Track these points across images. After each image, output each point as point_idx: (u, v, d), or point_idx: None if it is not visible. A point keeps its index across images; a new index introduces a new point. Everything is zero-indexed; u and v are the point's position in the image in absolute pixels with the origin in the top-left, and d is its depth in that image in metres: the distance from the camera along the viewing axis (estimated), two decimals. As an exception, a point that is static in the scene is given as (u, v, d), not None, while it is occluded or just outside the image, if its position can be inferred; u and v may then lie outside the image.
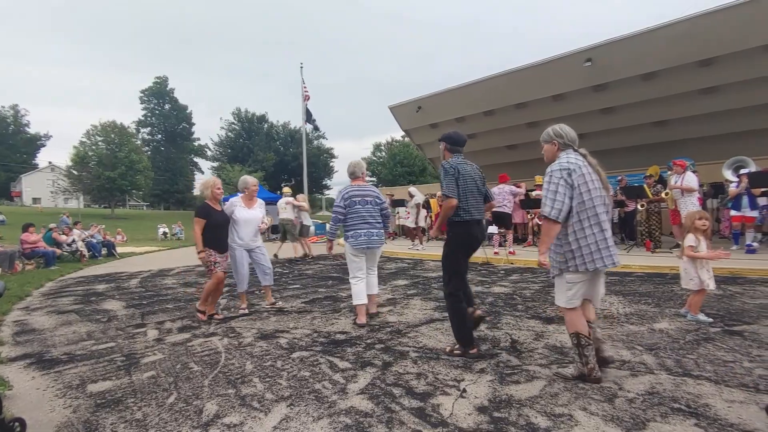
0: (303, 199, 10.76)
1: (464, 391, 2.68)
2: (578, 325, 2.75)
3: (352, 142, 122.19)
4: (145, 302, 5.77)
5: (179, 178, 58.28)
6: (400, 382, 2.84)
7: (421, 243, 11.71)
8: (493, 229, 9.66)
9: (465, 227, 3.39)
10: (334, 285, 6.74)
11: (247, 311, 4.98)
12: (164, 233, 21.76)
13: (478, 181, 3.51)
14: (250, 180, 5.16)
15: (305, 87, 19.59)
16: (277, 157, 53.85)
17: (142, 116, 58.09)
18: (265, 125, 57.86)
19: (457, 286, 3.39)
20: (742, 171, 8.68)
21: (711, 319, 3.99)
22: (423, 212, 12.40)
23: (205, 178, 5.16)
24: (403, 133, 24.78)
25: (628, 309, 4.57)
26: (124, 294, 6.46)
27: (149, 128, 58.53)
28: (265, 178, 43.63)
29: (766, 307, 4.44)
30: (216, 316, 4.72)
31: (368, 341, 3.78)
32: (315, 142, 56.10)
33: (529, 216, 10.95)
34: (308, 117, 20.11)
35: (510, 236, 9.65)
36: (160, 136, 59.10)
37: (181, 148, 59.11)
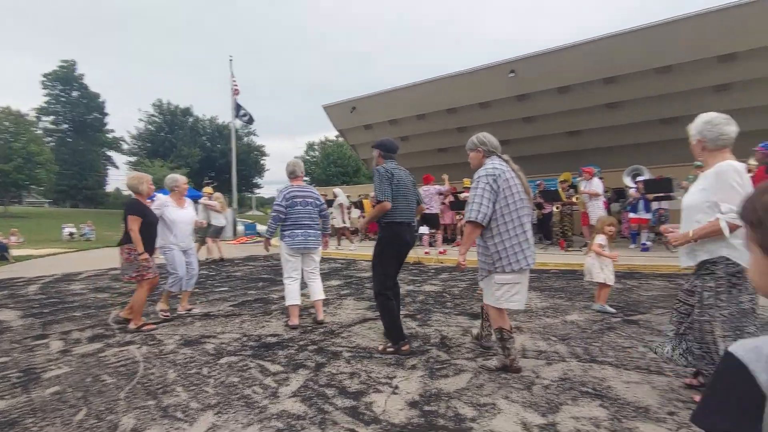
0: (217, 198, 9.98)
1: (396, 387, 2.75)
2: (502, 321, 2.95)
3: (285, 140, 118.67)
4: (46, 311, 5.17)
5: (89, 173, 52.74)
6: (333, 383, 2.84)
7: (352, 242, 11.79)
8: (423, 229, 9.96)
9: (396, 229, 3.51)
10: (265, 287, 6.55)
11: (169, 315, 4.67)
12: (71, 233, 19.66)
13: (411, 186, 3.66)
14: (180, 178, 4.91)
15: (234, 81, 18.77)
16: (203, 153, 50.89)
17: (45, 103, 51.79)
18: (190, 119, 54.38)
19: (386, 285, 3.49)
20: (639, 178, 9.81)
21: (615, 310, 4.47)
22: (357, 212, 12.49)
23: (134, 173, 4.70)
24: (337, 133, 24.70)
25: (544, 303, 4.96)
26: (20, 302, 5.74)
27: (53, 117, 52.37)
28: (190, 174, 40.96)
29: (658, 298, 5.06)
30: (147, 326, 4.32)
31: (301, 343, 3.73)
32: (245, 138, 53.80)
33: (458, 217, 11.44)
34: (238, 111, 19.30)
35: (439, 236, 10.01)
36: (66, 125, 53.07)
37: (91, 140, 53.54)
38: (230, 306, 5.25)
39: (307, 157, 54.95)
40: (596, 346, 3.44)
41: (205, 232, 9.85)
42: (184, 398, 2.64)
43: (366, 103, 16.47)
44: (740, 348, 0.67)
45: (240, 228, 18.71)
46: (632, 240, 9.53)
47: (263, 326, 4.31)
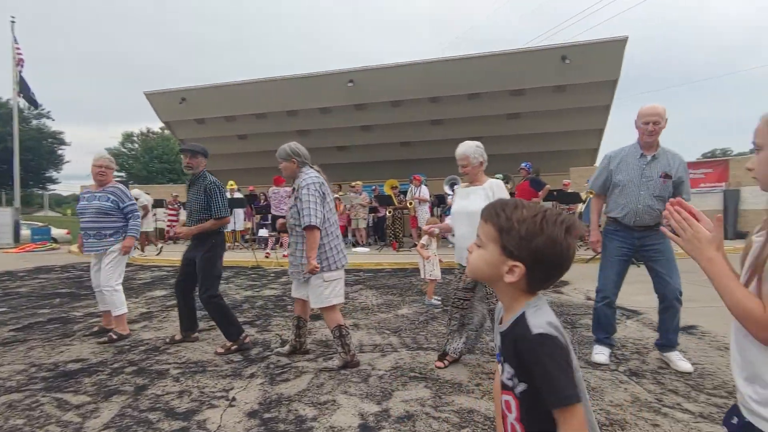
0: None
1: (234, 399, 2.60)
2: (339, 319, 3.09)
3: (94, 128, 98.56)
4: None
5: None
6: (158, 405, 2.52)
7: (143, 250, 10.43)
8: (263, 232, 9.64)
9: (222, 236, 3.76)
10: (64, 303, 5.40)
11: None
12: None
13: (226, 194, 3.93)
14: None
15: (18, 48, 14.99)
16: (-34, 135, 38.90)
17: None
18: (-56, 89, 41.03)
19: (217, 289, 3.59)
20: (455, 186, 11.44)
21: (439, 302, 5.08)
22: (183, 214, 11.31)
23: None
24: (162, 125, 21.90)
25: (379, 300, 5.34)
26: None
27: None
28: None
29: (468, 289, 5.96)
30: None
31: (115, 366, 3.20)
32: (34, 121, 43.09)
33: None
34: (23, 87, 15.45)
35: (286, 239, 9.83)
36: None
37: None
38: (10, 331, 4.17)
39: (124, 150, 47.17)
40: (422, 335, 3.87)
41: None
42: (-64, 458, 2.00)
43: (198, 94, 15.04)
44: (545, 328, 0.82)
45: (25, 232, 15.02)
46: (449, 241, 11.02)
47: (62, 351, 3.55)
